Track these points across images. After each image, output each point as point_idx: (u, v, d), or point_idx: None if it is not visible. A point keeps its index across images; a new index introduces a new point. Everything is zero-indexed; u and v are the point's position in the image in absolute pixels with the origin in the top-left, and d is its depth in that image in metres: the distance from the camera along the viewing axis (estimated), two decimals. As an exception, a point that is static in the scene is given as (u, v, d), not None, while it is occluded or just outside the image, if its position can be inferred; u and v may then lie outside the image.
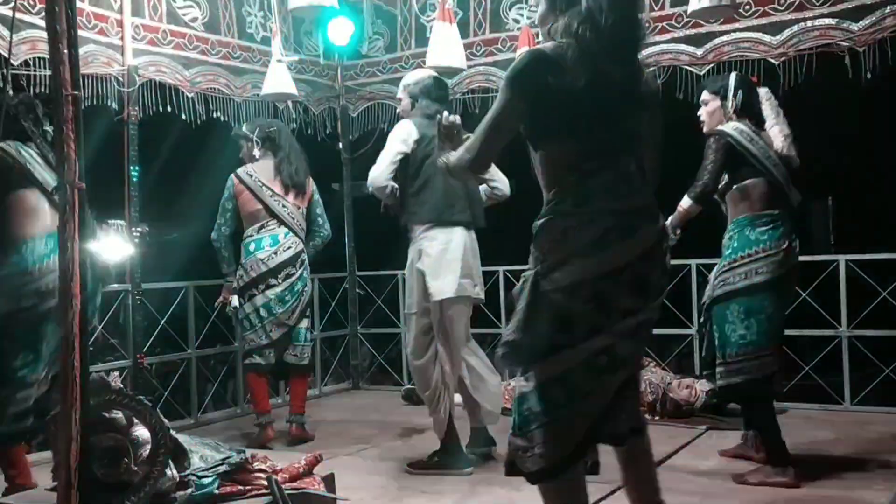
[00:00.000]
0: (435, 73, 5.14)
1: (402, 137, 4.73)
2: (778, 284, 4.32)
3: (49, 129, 4.19)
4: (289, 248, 5.60)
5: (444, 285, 4.66)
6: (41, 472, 4.58)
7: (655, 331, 3.42)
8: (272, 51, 6.10)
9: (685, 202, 4.37)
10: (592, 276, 2.65)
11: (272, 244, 5.57)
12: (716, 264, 4.54)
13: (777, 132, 4.44)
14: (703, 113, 4.60)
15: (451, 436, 4.78)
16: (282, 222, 5.61)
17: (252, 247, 5.58)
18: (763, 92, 4.59)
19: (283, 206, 5.63)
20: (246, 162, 5.75)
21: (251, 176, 5.64)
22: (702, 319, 4.64)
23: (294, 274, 5.60)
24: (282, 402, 6.61)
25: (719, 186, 4.43)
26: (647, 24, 5.92)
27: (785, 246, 4.31)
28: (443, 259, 4.67)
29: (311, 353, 5.97)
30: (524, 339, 2.73)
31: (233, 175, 5.68)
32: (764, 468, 4.36)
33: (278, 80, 6.03)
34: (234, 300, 5.60)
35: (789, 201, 4.42)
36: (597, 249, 2.65)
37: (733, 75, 4.59)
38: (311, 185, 5.82)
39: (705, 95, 4.61)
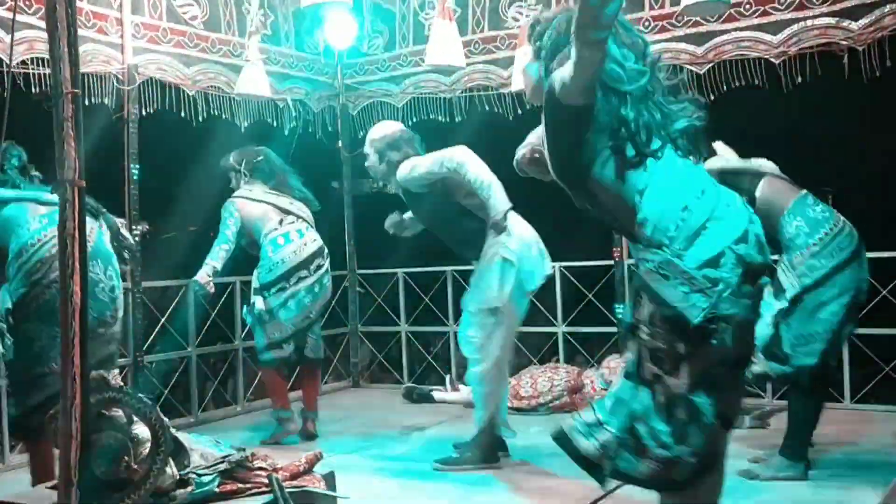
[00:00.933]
0: (402, 127, 5.21)
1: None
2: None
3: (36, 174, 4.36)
4: (314, 239, 5.64)
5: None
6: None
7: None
8: (248, 51, 6.14)
9: None
10: None
11: (299, 236, 5.58)
12: None
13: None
14: None
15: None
16: (298, 217, 5.66)
17: (280, 240, 5.55)
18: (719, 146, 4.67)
19: (291, 202, 5.69)
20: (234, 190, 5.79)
21: (251, 190, 5.68)
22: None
23: (323, 266, 5.65)
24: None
25: None
26: (646, 23, 6.05)
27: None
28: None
29: (324, 349, 6.00)
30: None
31: (232, 199, 5.67)
32: (775, 460, 4.36)
33: (251, 80, 6.07)
34: (259, 301, 5.55)
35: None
36: None
37: None
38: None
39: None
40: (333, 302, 7.53)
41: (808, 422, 4.38)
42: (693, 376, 2.54)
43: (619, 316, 5.75)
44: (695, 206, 2.59)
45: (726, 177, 4.08)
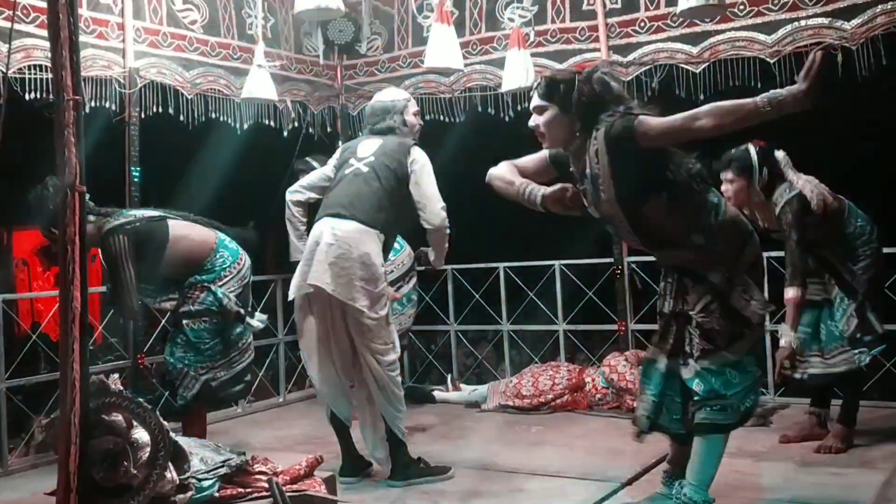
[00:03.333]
0: (382, 97, 4.92)
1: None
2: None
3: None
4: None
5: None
6: (41, 475, 4.62)
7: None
8: (255, 56, 6.16)
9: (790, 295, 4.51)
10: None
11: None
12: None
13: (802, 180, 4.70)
14: (728, 190, 4.71)
15: None
16: None
17: (398, 245, 5.78)
18: (780, 156, 4.73)
19: None
20: None
21: None
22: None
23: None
24: (283, 402, 6.61)
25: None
26: (642, 23, 6.08)
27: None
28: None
29: None
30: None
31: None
32: (841, 431, 4.77)
33: (258, 84, 6.10)
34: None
35: None
36: None
37: (752, 151, 4.69)
38: None
39: (730, 175, 4.72)
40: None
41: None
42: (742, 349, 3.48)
43: None
44: (740, 221, 3.69)
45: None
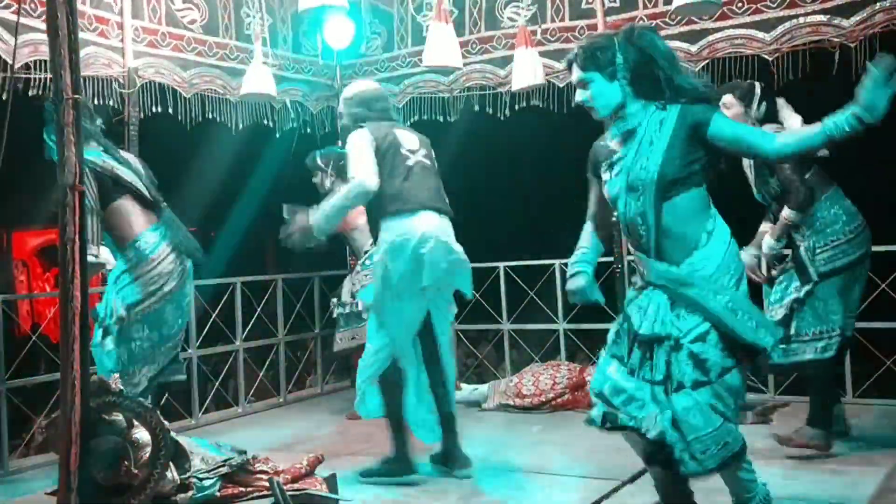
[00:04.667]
0: (375, 85, 4.96)
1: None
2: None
3: (100, 123, 4.77)
4: None
5: None
6: (41, 475, 4.62)
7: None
8: (254, 53, 6.17)
9: (788, 214, 4.58)
10: None
11: None
12: None
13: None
14: (724, 114, 4.62)
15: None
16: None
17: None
18: (781, 102, 4.74)
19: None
20: (319, 191, 5.81)
21: None
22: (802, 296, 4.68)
23: None
24: (283, 402, 6.62)
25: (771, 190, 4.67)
26: (640, 21, 6.07)
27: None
28: None
29: None
30: None
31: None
32: (802, 429, 4.59)
33: (258, 80, 6.10)
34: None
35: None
36: None
37: (758, 86, 4.73)
38: None
39: (728, 99, 4.69)
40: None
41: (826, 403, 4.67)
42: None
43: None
44: None
45: None
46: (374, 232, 4.62)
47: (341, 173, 5.63)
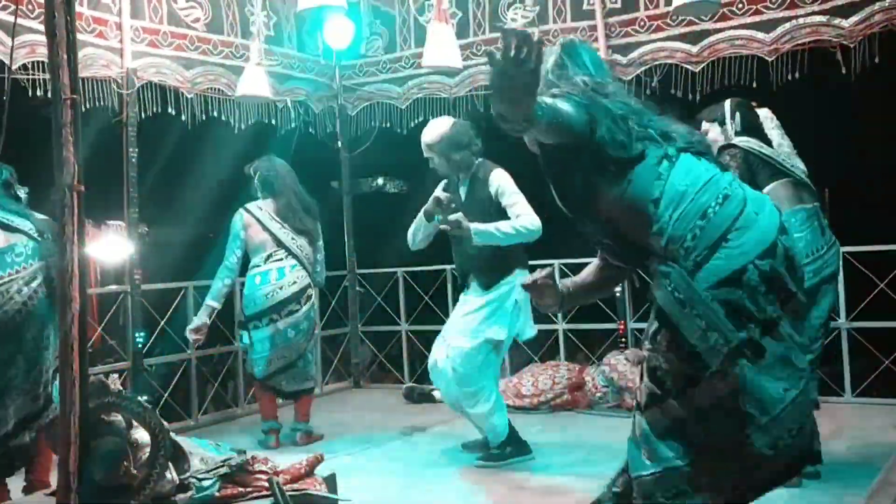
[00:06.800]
0: (454, 121, 5.02)
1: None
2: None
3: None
4: (294, 282, 5.46)
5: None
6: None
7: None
8: (251, 53, 6.13)
9: None
10: None
11: (278, 277, 5.43)
12: None
13: (786, 148, 4.41)
14: None
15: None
16: (290, 253, 5.50)
17: (257, 279, 5.45)
18: (764, 112, 4.57)
19: (293, 238, 5.53)
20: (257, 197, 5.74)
21: (261, 209, 5.55)
22: None
23: (298, 311, 5.47)
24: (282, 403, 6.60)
25: None
26: (641, 22, 6.08)
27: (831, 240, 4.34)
28: None
29: (313, 375, 5.97)
30: None
31: (241, 209, 5.57)
32: None
33: (253, 82, 6.05)
34: (245, 335, 5.51)
35: (816, 195, 4.41)
36: None
37: (728, 101, 4.51)
38: (318, 231, 5.72)
39: (704, 126, 4.61)
40: (333, 302, 7.55)
41: None
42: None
43: None
44: (715, 213, 2.39)
45: (750, 159, 4.24)
46: (500, 269, 4.80)
47: (265, 186, 5.62)
